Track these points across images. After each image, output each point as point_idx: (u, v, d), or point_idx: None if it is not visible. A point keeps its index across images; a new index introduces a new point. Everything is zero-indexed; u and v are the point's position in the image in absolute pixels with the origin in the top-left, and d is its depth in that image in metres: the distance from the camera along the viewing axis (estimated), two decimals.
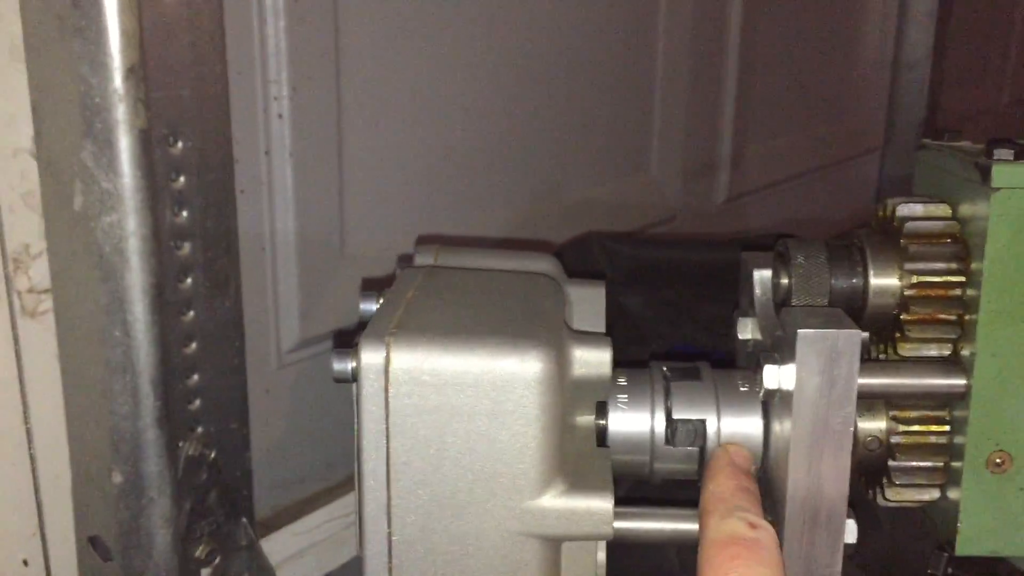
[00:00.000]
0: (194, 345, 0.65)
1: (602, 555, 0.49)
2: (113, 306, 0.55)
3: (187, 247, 0.63)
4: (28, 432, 0.62)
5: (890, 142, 1.55)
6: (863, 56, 1.55)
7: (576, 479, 0.45)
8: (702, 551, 0.43)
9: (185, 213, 0.62)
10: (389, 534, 0.45)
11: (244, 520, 0.70)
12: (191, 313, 0.64)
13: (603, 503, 0.45)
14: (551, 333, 0.46)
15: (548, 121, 0.99)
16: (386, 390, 0.43)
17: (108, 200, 0.54)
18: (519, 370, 0.43)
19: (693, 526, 0.48)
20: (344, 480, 0.84)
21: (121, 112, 0.52)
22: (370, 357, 0.43)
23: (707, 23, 1.21)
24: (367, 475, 0.44)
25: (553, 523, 0.45)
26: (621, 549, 0.51)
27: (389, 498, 0.44)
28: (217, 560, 0.68)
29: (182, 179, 0.61)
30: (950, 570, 0.55)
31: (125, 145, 0.53)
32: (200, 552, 0.67)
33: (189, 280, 0.63)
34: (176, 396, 0.62)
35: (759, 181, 1.36)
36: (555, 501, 0.44)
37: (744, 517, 0.43)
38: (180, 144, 0.60)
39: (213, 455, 0.67)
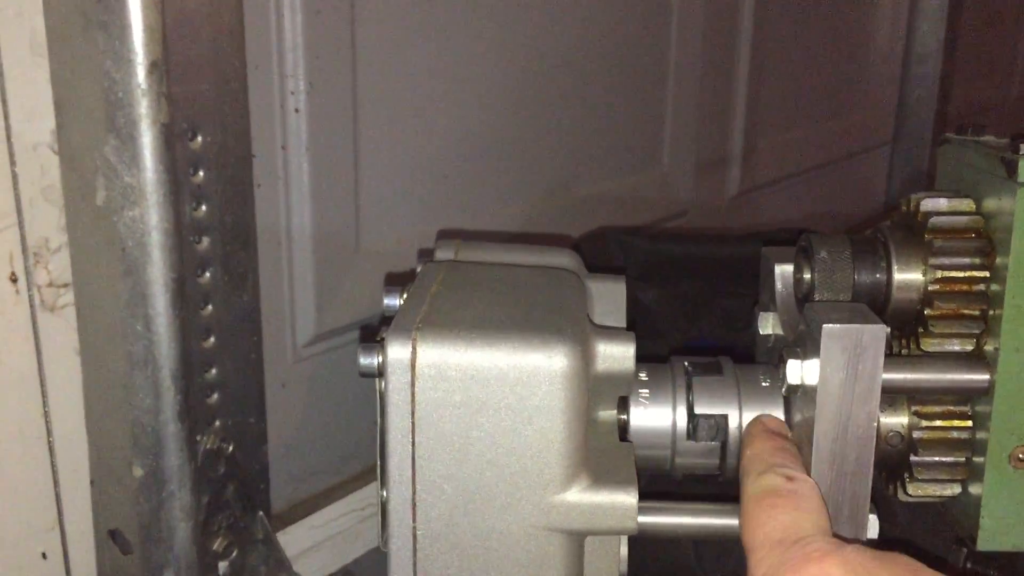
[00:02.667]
0: (212, 339, 0.65)
1: (624, 549, 0.49)
2: (135, 300, 0.56)
3: (206, 241, 0.63)
4: (47, 426, 0.62)
5: (900, 136, 1.55)
6: (874, 50, 1.55)
7: (600, 474, 0.46)
8: (742, 509, 0.43)
9: (204, 208, 0.62)
10: (414, 528, 0.45)
11: (261, 513, 0.70)
12: (209, 307, 0.64)
13: (627, 498, 0.45)
14: (575, 328, 0.46)
15: (561, 116, 0.99)
16: (412, 385, 0.43)
17: (131, 195, 0.54)
18: (545, 365, 0.43)
19: (716, 520, 0.49)
20: (359, 473, 0.84)
21: (144, 107, 0.52)
22: (397, 352, 0.43)
23: (719, 18, 1.21)
24: (392, 469, 0.44)
25: (577, 518, 0.45)
26: (638, 543, 0.51)
27: (414, 492, 0.44)
28: (234, 553, 0.69)
29: (201, 173, 0.61)
30: (969, 565, 0.55)
31: (148, 140, 0.53)
32: (218, 545, 0.68)
33: (208, 274, 0.63)
34: (195, 390, 0.62)
35: (770, 176, 1.36)
36: (580, 496, 0.45)
37: (781, 472, 0.43)
38: (200, 139, 0.61)
39: (231, 449, 0.67)
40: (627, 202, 1.11)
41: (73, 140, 0.57)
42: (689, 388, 0.51)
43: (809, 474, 0.45)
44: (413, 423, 0.44)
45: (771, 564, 0.39)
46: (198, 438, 0.63)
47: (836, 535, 0.41)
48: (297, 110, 0.74)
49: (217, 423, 0.67)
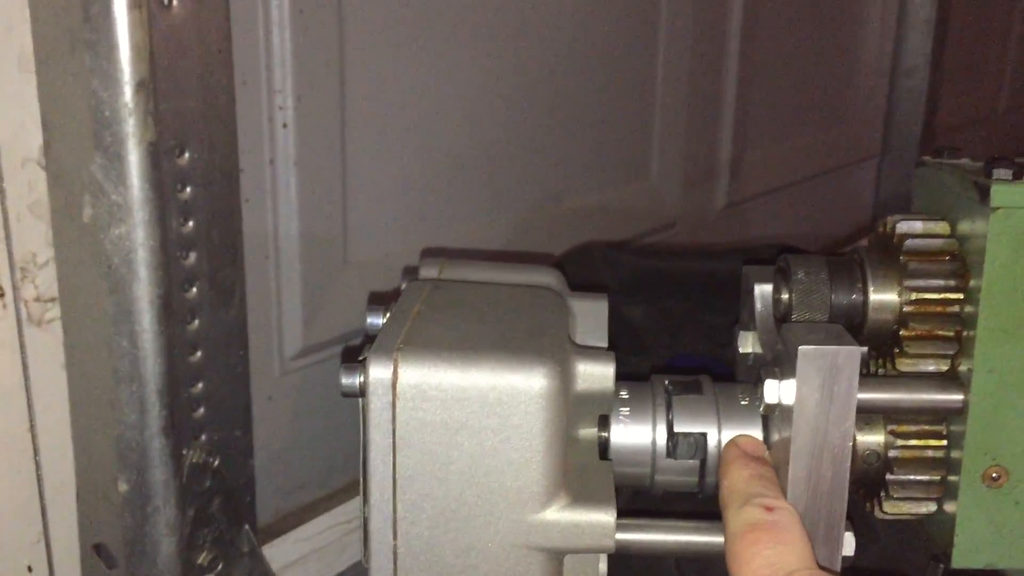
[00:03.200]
0: (199, 353, 0.65)
1: (603, 567, 0.50)
2: (120, 316, 0.56)
3: (193, 257, 0.63)
4: (33, 439, 0.62)
5: (888, 149, 1.56)
6: (862, 62, 1.56)
7: (579, 493, 0.46)
8: (727, 546, 0.44)
9: (191, 223, 0.62)
10: (395, 546, 0.45)
11: (246, 527, 0.70)
12: (196, 322, 0.64)
13: (605, 517, 0.45)
14: (555, 348, 0.46)
15: (549, 129, 1.00)
16: (393, 405, 0.44)
17: (117, 212, 0.54)
18: (524, 386, 0.44)
19: (694, 538, 0.49)
20: (345, 486, 0.84)
21: (131, 125, 0.53)
22: (378, 372, 0.44)
23: (707, 30, 1.22)
24: (374, 488, 0.45)
25: (556, 536, 0.45)
26: (619, 559, 0.51)
27: (395, 510, 0.45)
28: (220, 567, 0.69)
29: (188, 190, 0.62)
30: None
31: (135, 158, 0.53)
32: (203, 559, 0.68)
33: (195, 289, 0.64)
34: (181, 404, 0.63)
35: (758, 188, 1.37)
36: (558, 515, 0.45)
37: (760, 503, 0.44)
38: (187, 155, 0.61)
39: (217, 462, 0.67)
40: (615, 214, 1.11)
41: (60, 157, 0.57)
42: (669, 406, 0.51)
43: (786, 494, 0.46)
44: (394, 443, 0.44)
45: None
46: (184, 452, 0.63)
47: (821, 567, 0.42)
48: (285, 125, 0.74)
49: (203, 437, 0.67)
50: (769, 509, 0.43)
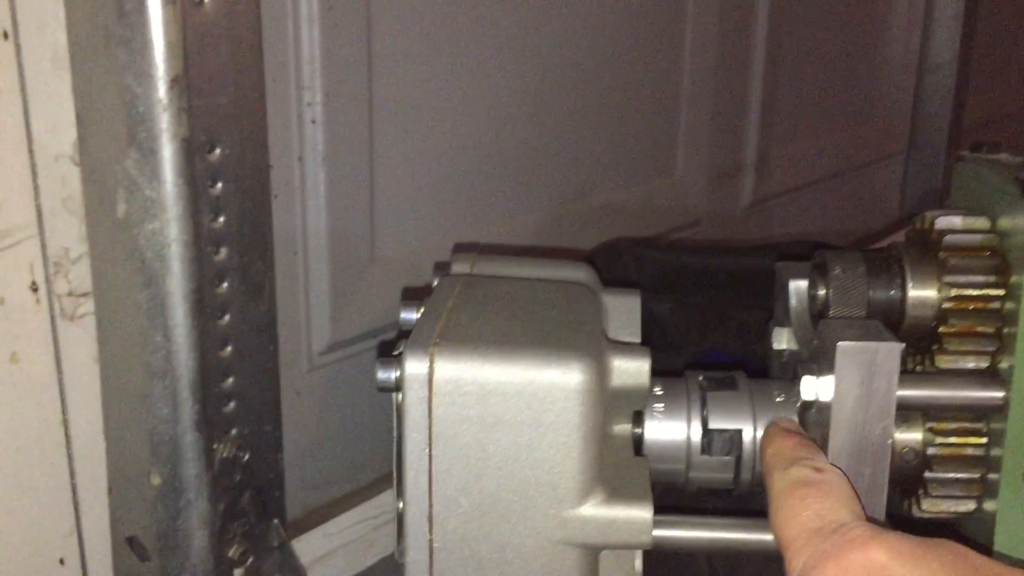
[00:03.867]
0: (229, 348, 0.65)
1: (639, 563, 0.50)
2: (154, 311, 0.56)
3: (223, 252, 0.63)
4: (66, 433, 0.62)
5: (915, 145, 1.55)
6: (889, 59, 1.55)
7: (615, 488, 0.46)
8: (771, 507, 0.42)
9: (222, 219, 0.63)
10: (430, 541, 0.45)
11: (276, 521, 0.71)
12: (227, 317, 0.65)
13: (642, 512, 0.45)
14: (591, 344, 0.46)
15: (575, 125, 1.00)
16: (429, 400, 0.44)
17: (151, 208, 0.54)
18: (561, 381, 0.44)
19: (731, 535, 0.49)
20: (373, 482, 0.85)
21: (165, 121, 0.53)
22: (414, 367, 0.43)
23: (733, 27, 1.21)
24: (409, 483, 0.45)
25: (593, 532, 0.45)
26: (654, 556, 0.51)
27: (431, 505, 0.45)
28: (250, 560, 0.69)
29: (219, 185, 0.62)
30: None
31: (168, 154, 0.54)
32: (233, 552, 0.68)
33: (225, 284, 0.64)
34: (212, 399, 0.63)
35: (784, 185, 1.36)
36: (595, 510, 0.45)
37: (808, 464, 0.43)
38: (218, 151, 0.61)
39: (247, 457, 0.68)
40: (640, 211, 1.11)
41: (94, 153, 0.57)
42: (704, 403, 0.51)
43: None
44: (430, 437, 0.44)
45: (811, 554, 0.38)
46: (215, 447, 0.64)
47: (872, 519, 0.40)
48: (314, 121, 0.74)
49: (233, 431, 0.67)
50: (818, 470, 0.42)
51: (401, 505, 0.46)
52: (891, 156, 1.56)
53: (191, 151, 0.55)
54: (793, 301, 0.55)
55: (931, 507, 0.50)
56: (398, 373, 0.44)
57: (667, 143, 1.16)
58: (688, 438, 0.51)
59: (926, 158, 1.52)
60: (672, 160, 1.17)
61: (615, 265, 0.81)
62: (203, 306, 0.58)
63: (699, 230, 1.21)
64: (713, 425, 0.50)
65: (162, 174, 0.54)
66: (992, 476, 0.50)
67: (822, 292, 0.52)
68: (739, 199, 1.29)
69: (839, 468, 0.44)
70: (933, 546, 0.37)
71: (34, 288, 0.59)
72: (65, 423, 0.62)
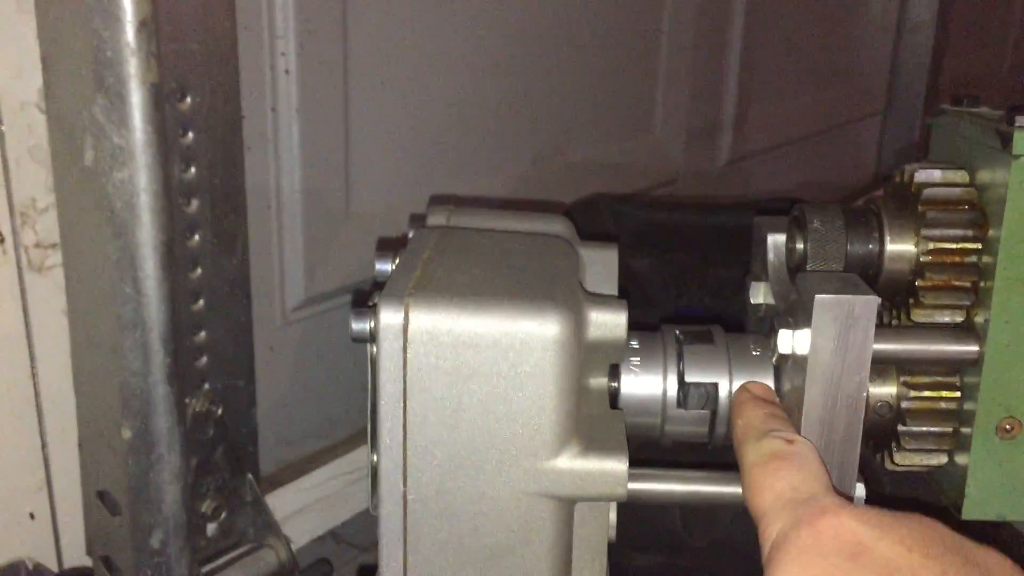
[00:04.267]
0: (201, 302, 0.64)
1: (613, 515, 0.50)
2: (124, 262, 0.55)
3: (195, 204, 0.62)
4: (35, 387, 0.62)
5: (892, 106, 1.55)
6: (867, 19, 1.54)
7: (590, 441, 0.46)
8: (744, 479, 0.43)
9: (193, 169, 0.62)
10: (405, 492, 0.45)
11: (249, 476, 0.70)
12: (199, 270, 0.64)
13: (618, 464, 0.45)
14: (568, 295, 0.46)
15: (554, 81, 0.98)
16: (404, 350, 0.43)
17: (120, 156, 0.53)
18: (537, 332, 0.43)
19: (705, 488, 0.49)
20: (348, 437, 0.84)
21: (133, 66, 0.52)
22: (389, 317, 0.43)
23: None
24: (384, 434, 0.44)
25: (568, 484, 0.45)
26: (626, 510, 0.51)
27: (405, 457, 0.44)
28: (223, 515, 0.69)
29: (191, 135, 0.61)
30: None
31: (137, 100, 0.52)
32: (206, 507, 0.68)
33: (197, 237, 0.63)
34: (184, 353, 0.62)
35: (761, 144, 1.36)
36: (570, 462, 0.45)
37: (779, 435, 0.43)
38: (189, 100, 0.60)
39: (220, 412, 0.67)
40: (618, 168, 1.10)
41: (61, 99, 0.56)
42: (680, 356, 0.51)
43: None
44: (405, 388, 0.44)
45: (785, 522, 0.39)
46: (187, 401, 0.63)
47: (839, 492, 0.41)
48: (287, 71, 0.73)
49: (206, 386, 0.66)
50: (790, 442, 0.43)
51: (375, 458, 0.45)
52: (869, 115, 1.56)
53: (160, 98, 0.54)
54: (771, 255, 0.55)
55: (903, 460, 0.51)
56: (372, 324, 0.43)
57: (646, 101, 1.15)
58: (664, 392, 0.51)
59: (903, 118, 1.52)
60: (651, 117, 1.16)
61: (593, 221, 0.81)
62: (174, 258, 0.57)
63: (677, 187, 1.20)
64: (689, 379, 0.50)
65: (131, 121, 0.52)
66: (965, 430, 0.50)
67: (800, 246, 0.51)
68: (717, 157, 1.29)
69: (808, 440, 0.44)
70: (902, 517, 0.38)
71: (0, 239, 0.58)
72: (34, 377, 0.61)
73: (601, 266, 0.55)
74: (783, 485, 0.41)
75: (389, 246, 0.52)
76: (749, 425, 0.45)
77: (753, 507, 0.42)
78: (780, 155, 1.40)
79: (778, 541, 0.38)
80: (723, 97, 1.28)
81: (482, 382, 0.44)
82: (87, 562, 0.66)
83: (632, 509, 0.50)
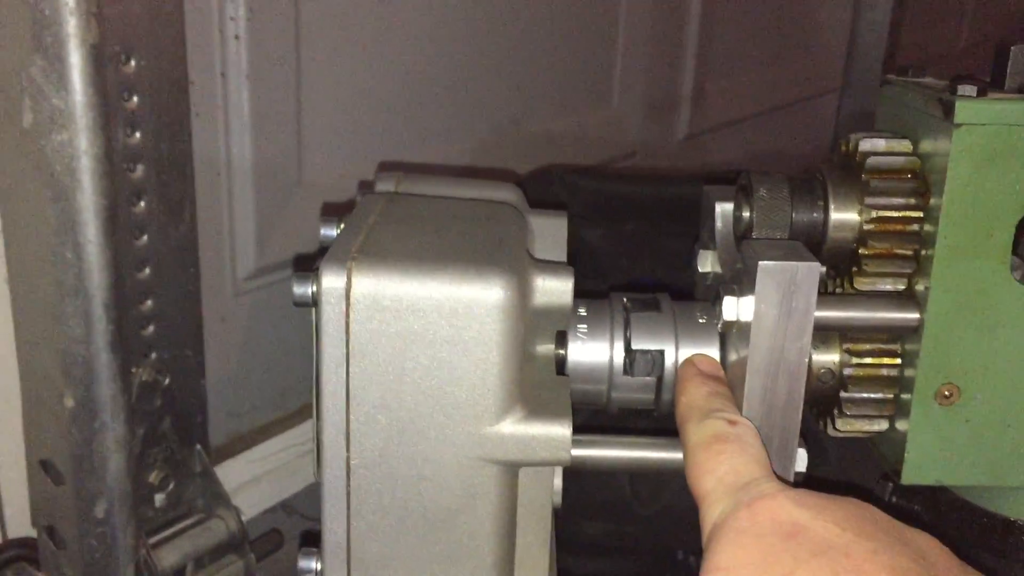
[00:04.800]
0: (148, 270, 0.64)
1: (559, 481, 0.50)
2: (64, 227, 0.54)
3: (140, 169, 0.61)
4: None
5: (849, 82, 1.56)
6: None
7: (535, 406, 0.46)
8: (687, 458, 0.44)
9: (138, 135, 0.60)
10: (348, 458, 0.45)
11: (198, 447, 0.70)
12: (144, 237, 0.63)
13: (561, 429, 0.45)
14: (513, 261, 0.46)
15: (510, 52, 0.98)
16: (347, 315, 0.43)
17: (59, 118, 0.52)
18: (481, 297, 0.43)
19: (650, 454, 0.49)
20: (300, 409, 0.84)
21: (72, 26, 0.50)
22: (331, 281, 0.42)
23: None
24: (326, 399, 0.44)
25: (511, 449, 0.45)
26: (575, 479, 0.51)
27: (348, 423, 0.44)
28: (171, 486, 0.68)
29: (135, 99, 0.60)
30: (894, 499, 0.57)
31: (76, 61, 0.51)
32: (154, 477, 0.67)
33: (142, 203, 0.62)
34: (129, 321, 0.61)
35: (719, 118, 1.36)
36: (514, 427, 0.45)
37: (721, 416, 0.44)
38: (133, 63, 0.59)
39: (167, 382, 0.66)
40: (576, 141, 1.10)
41: None
42: (627, 324, 0.51)
43: (741, 409, 0.46)
44: (347, 353, 0.43)
45: (725, 505, 0.40)
46: (133, 370, 0.62)
47: (779, 477, 0.43)
48: (237, 36, 0.72)
49: (153, 355, 0.66)
50: (732, 423, 0.44)
51: (319, 424, 0.45)
52: (826, 92, 1.57)
53: (102, 59, 0.53)
54: (719, 224, 0.55)
55: (845, 426, 0.51)
56: (315, 288, 0.43)
57: (603, 74, 1.15)
58: (611, 359, 0.51)
59: (859, 95, 1.53)
60: (608, 91, 1.16)
61: (547, 191, 0.80)
62: (117, 224, 0.56)
63: (635, 161, 1.21)
64: (636, 346, 0.51)
65: (70, 82, 0.51)
66: (905, 396, 0.51)
67: (746, 214, 0.52)
68: (675, 131, 1.29)
69: (749, 421, 0.45)
70: (838, 500, 0.39)
71: None
72: None
73: (550, 234, 0.55)
74: (724, 469, 0.42)
75: (335, 211, 0.51)
76: (692, 404, 0.46)
77: (694, 488, 0.43)
78: (738, 130, 1.41)
79: (718, 523, 0.40)
80: (682, 71, 1.28)
81: (426, 347, 0.43)
82: (32, 533, 0.65)
83: (581, 478, 0.50)
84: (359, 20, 0.80)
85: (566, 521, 0.57)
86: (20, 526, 0.65)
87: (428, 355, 0.43)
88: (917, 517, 0.56)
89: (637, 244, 0.78)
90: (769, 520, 0.38)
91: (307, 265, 0.44)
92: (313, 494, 0.81)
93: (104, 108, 0.54)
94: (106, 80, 0.54)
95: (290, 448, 0.80)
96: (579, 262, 0.54)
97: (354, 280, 0.43)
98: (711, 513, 0.41)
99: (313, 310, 0.44)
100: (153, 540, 0.67)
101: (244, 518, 0.72)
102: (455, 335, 0.43)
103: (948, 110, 0.47)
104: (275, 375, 0.82)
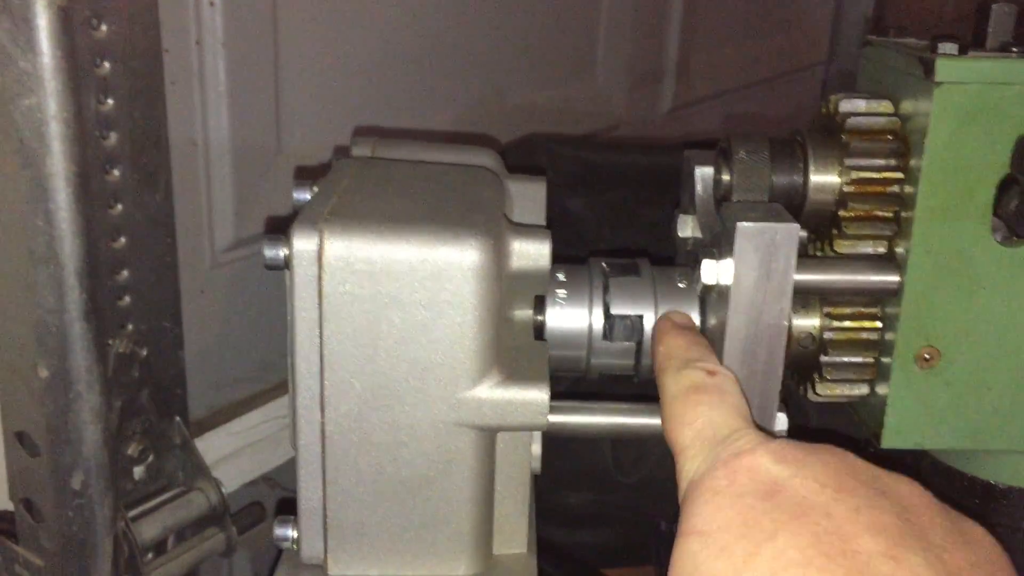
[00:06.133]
0: (123, 240, 0.63)
1: (537, 447, 0.50)
2: (35, 194, 0.53)
3: (113, 137, 0.60)
4: None
5: (834, 54, 1.55)
6: None
7: (512, 371, 0.45)
8: (664, 409, 0.43)
9: (111, 101, 0.59)
10: (322, 424, 0.44)
11: (178, 419, 0.69)
12: (119, 207, 0.62)
13: (539, 393, 0.45)
14: (490, 223, 0.45)
15: (494, 21, 0.97)
16: (319, 278, 0.42)
17: (26, 81, 0.51)
18: (456, 259, 0.43)
19: (630, 420, 0.49)
20: (280, 382, 0.83)
21: None
22: (303, 244, 0.42)
23: None
24: (300, 364, 0.43)
25: (488, 413, 0.44)
26: (556, 447, 0.51)
27: (322, 388, 0.44)
28: (150, 459, 0.68)
29: (107, 65, 0.58)
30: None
31: (43, 23, 0.50)
32: (132, 450, 0.66)
33: (116, 172, 0.61)
34: (105, 292, 0.60)
35: (704, 92, 1.35)
36: (491, 392, 0.44)
37: (700, 366, 0.43)
38: (104, 27, 0.57)
39: (145, 353, 0.66)
40: (559, 113, 1.09)
41: None
42: (606, 288, 0.51)
43: None
44: (320, 317, 0.43)
45: (703, 460, 0.39)
46: (109, 341, 0.61)
47: (760, 427, 0.42)
48: (212, 3, 0.70)
49: (130, 327, 0.65)
50: (711, 373, 0.43)
51: (292, 388, 0.44)
52: (812, 64, 1.57)
53: (71, 23, 0.52)
54: (699, 188, 0.54)
55: (825, 391, 0.51)
56: (287, 250, 0.42)
57: (587, 47, 1.14)
58: (590, 324, 0.50)
59: (845, 67, 1.53)
60: (592, 63, 1.15)
61: (529, 161, 0.80)
62: (89, 191, 0.55)
63: (619, 134, 1.20)
64: (615, 311, 0.50)
65: (38, 45, 0.50)
66: (885, 360, 0.50)
67: (726, 177, 0.51)
68: (659, 104, 1.28)
69: (730, 370, 0.44)
70: (816, 450, 0.38)
71: None
72: None
73: (529, 199, 0.55)
74: (703, 421, 0.40)
75: (309, 175, 0.50)
76: (670, 354, 0.45)
77: (672, 441, 0.41)
78: (723, 102, 1.40)
79: (695, 480, 0.39)
80: (666, 44, 1.27)
81: (400, 310, 0.43)
82: (9, 506, 0.64)
83: (563, 447, 0.50)
84: None
85: (548, 491, 0.56)
86: None
87: (403, 318, 0.43)
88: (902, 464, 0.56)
89: (620, 213, 0.78)
90: (748, 479, 0.37)
91: (281, 229, 0.44)
92: (293, 467, 0.81)
93: (74, 72, 0.53)
94: (76, 44, 0.53)
95: (271, 420, 0.79)
96: (561, 230, 0.54)
97: (326, 242, 0.42)
98: (688, 468, 0.39)
99: (286, 274, 0.44)
100: (133, 513, 0.66)
101: (226, 491, 0.71)
102: (430, 298, 0.43)
103: (928, 69, 0.46)
104: (256, 347, 0.81)
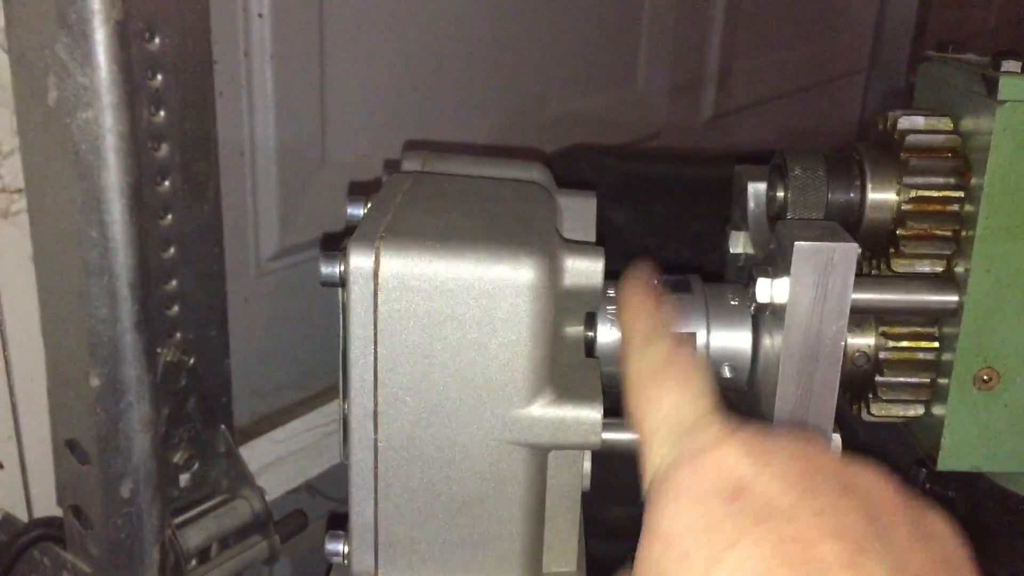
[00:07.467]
0: (172, 250, 0.63)
1: (588, 465, 0.49)
2: (89, 205, 0.54)
3: (165, 148, 0.61)
4: (2, 334, 0.60)
5: (876, 63, 1.54)
6: None
7: (565, 389, 0.45)
8: (628, 389, 0.40)
9: (163, 113, 0.60)
10: (375, 440, 0.44)
11: (223, 427, 0.69)
12: (169, 217, 0.62)
13: (592, 412, 0.44)
14: (543, 241, 0.45)
15: (535, 31, 0.97)
16: (375, 295, 0.42)
17: (84, 95, 0.51)
18: (511, 277, 0.42)
19: None
20: (323, 390, 0.83)
21: (96, 3, 0.50)
22: (359, 261, 0.42)
23: None
24: (354, 380, 0.43)
25: (541, 432, 0.44)
26: (603, 460, 0.50)
27: (376, 404, 0.44)
28: (196, 466, 0.68)
29: (159, 77, 0.59)
30: (928, 485, 0.56)
31: (101, 38, 0.50)
32: (179, 458, 0.67)
33: (167, 183, 0.62)
34: (154, 301, 0.61)
35: (745, 100, 1.35)
36: (544, 410, 0.44)
37: (667, 339, 0.40)
38: (157, 40, 0.58)
39: (192, 362, 0.66)
40: (600, 121, 1.09)
41: (23, 37, 0.54)
42: None
43: (776, 395, 0.45)
44: (375, 334, 0.43)
45: (668, 451, 0.37)
46: (158, 350, 0.62)
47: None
48: (261, 15, 0.71)
49: (178, 335, 0.65)
50: (677, 344, 0.40)
51: (346, 406, 0.44)
52: (853, 73, 1.55)
53: (126, 37, 0.52)
54: (751, 204, 0.54)
55: (880, 411, 0.50)
56: (343, 267, 0.42)
57: (628, 54, 1.13)
58: None
59: (886, 77, 1.51)
60: (633, 71, 1.15)
61: (573, 171, 0.79)
62: (142, 203, 0.56)
63: (660, 142, 1.19)
64: None
65: (95, 59, 0.51)
66: (942, 380, 0.50)
67: (780, 194, 0.50)
68: (700, 112, 1.27)
69: (693, 337, 0.41)
70: (782, 445, 0.36)
71: None
72: (1, 323, 0.60)
73: (579, 214, 0.54)
74: (667, 406, 0.38)
75: (361, 191, 0.50)
76: (634, 325, 0.41)
77: (636, 425, 0.39)
78: (763, 112, 1.39)
79: (658, 476, 0.36)
80: (707, 52, 1.26)
81: (455, 328, 0.43)
82: (58, 512, 0.65)
83: (608, 460, 0.50)
84: None
85: (593, 504, 0.56)
86: (47, 506, 0.65)
87: (457, 336, 0.43)
88: (951, 503, 0.55)
89: (665, 225, 0.77)
90: (713, 477, 0.35)
91: (333, 245, 0.43)
92: (337, 475, 0.81)
93: (129, 86, 0.53)
94: (131, 58, 0.54)
95: (314, 429, 0.79)
96: (606, 243, 0.53)
97: (382, 260, 0.42)
98: (652, 460, 0.37)
99: (340, 290, 0.44)
100: (178, 520, 0.67)
101: (268, 499, 0.72)
102: (484, 316, 0.43)
103: (992, 87, 0.45)
104: (299, 355, 0.82)
